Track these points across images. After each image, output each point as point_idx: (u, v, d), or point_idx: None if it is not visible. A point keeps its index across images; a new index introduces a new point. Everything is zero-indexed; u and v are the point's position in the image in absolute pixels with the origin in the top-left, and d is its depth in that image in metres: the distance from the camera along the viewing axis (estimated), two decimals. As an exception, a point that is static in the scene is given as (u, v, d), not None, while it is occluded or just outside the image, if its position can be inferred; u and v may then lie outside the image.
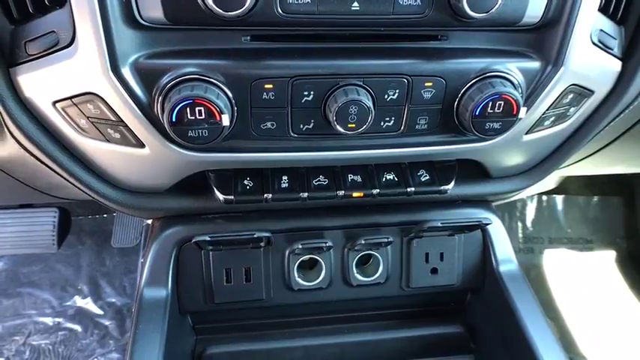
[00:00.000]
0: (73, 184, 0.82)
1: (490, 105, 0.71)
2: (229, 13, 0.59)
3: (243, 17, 0.60)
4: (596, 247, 2.24)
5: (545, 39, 0.73)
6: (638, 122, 0.98)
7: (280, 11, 0.62)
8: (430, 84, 0.72)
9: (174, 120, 0.64)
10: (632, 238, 2.23)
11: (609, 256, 2.22)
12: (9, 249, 1.85)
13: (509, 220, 2.25)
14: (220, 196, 0.81)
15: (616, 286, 2.12)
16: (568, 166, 1.13)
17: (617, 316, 2.00)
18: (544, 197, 2.28)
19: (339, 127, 0.69)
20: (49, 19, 0.65)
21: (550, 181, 1.51)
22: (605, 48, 0.78)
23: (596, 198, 2.31)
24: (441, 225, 0.90)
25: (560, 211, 2.29)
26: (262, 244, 0.90)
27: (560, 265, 2.18)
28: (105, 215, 2.16)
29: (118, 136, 0.72)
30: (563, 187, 2.24)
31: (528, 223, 2.26)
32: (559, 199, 2.29)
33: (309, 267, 0.97)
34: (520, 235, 2.25)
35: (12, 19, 0.67)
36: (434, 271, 1.00)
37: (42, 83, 0.69)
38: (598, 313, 2.00)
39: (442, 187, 0.85)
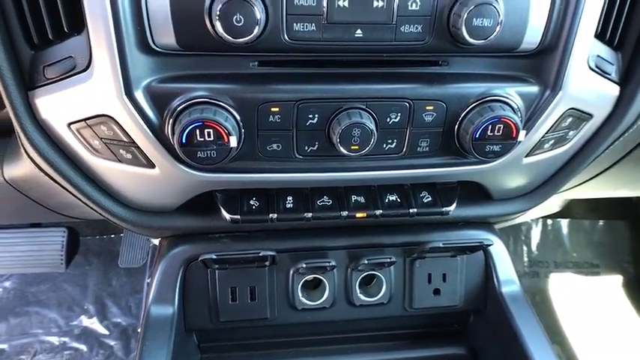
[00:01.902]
0: (85, 203, 0.84)
1: (490, 128, 0.73)
2: (238, 40, 0.62)
3: (251, 44, 0.63)
4: (602, 272, 2.23)
5: (543, 64, 0.75)
6: (638, 145, 1.00)
7: (287, 38, 0.65)
8: (431, 108, 0.74)
9: (184, 141, 0.67)
10: (639, 263, 2.22)
11: (615, 280, 2.20)
12: (18, 268, 1.87)
13: (515, 244, 2.25)
14: (227, 216, 0.83)
15: (623, 310, 2.10)
16: (570, 189, 1.14)
17: (624, 341, 1.98)
18: (549, 221, 2.28)
19: (342, 149, 0.71)
20: (67, 45, 0.68)
21: (553, 204, 1.52)
22: (603, 73, 0.80)
23: (601, 222, 2.31)
24: (442, 246, 0.91)
25: (565, 235, 2.28)
26: (267, 263, 0.91)
27: (566, 289, 2.16)
28: (112, 236, 2.19)
29: (129, 156, 0.75)
30: (567, 211, 2.24)
31: (533, 247, 2.26)
32: (564, 223, 2.29)
33: (312, 286, 0.98)
34: (525, 259, 2.24)
35: (32, 45, 0.70)
36: (436, 291, 1.00)
37: (58, 105, 0.71)
38: (605, 338, 1.97)
39: (444, 209, 0.87)
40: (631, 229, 2.28)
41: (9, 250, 1.67)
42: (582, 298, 2.13)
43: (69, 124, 0.73)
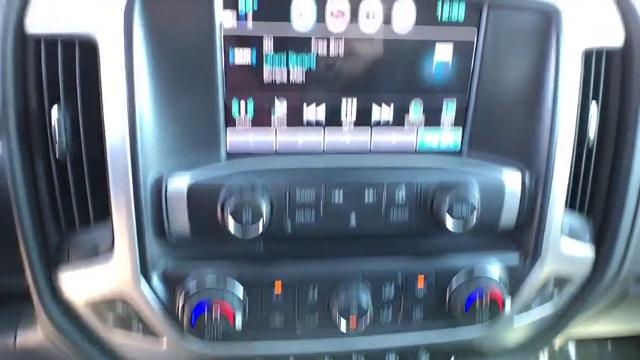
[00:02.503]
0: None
1: (478, 297, 0.78)
2: (246, 237, 0.70)
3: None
4: (617, 399, 2.14)
5: (522, 236, 0.82)
6: (625, 293, 1.04)
7: (289, 229, 0.74)
8: (422, 279, 0.80)
9: (193, 322, 0.72)
10: (654, 388, 2.13)
11: (633, 407, 2.11)
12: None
13: (523, 372, 2.18)
14: None
15: None
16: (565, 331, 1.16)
17: None
18: (556, 347, 2.23)
19: (341, 323, 0.76)
20: (92, 232, 0.76)
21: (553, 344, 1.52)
22: (577, 238, 0.86)
23: (610, 345, 2.26)
24: None
25: (574, 361, 2.23)
26: None
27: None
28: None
29: (140, 329, 0.79)
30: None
31: (543, 376, 2.19)
32: (572, 348, 2.24)
33: None
34: (536, 388, 2.17)
35: (60, 231, 0.78)
36: None
37: (78, 285, 0.78)
38: None
39: None
40: (641, 350, 2.23)
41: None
42: None
43: (87, 303, 0.78)
